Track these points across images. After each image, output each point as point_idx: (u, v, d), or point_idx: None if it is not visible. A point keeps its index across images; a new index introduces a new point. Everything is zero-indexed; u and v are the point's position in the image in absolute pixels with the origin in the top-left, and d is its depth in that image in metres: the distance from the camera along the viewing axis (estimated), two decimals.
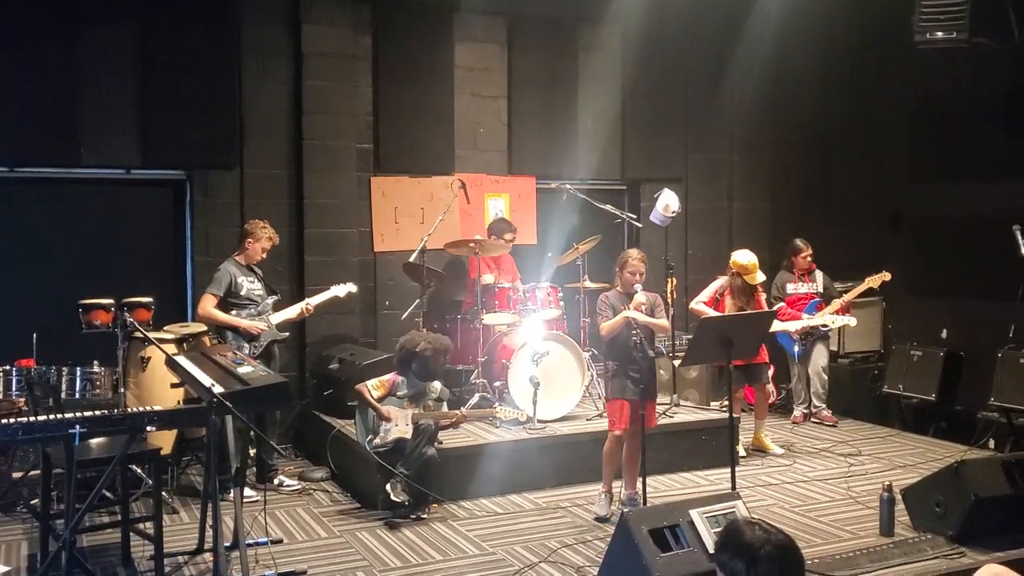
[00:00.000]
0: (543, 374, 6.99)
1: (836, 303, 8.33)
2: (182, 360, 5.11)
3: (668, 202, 8.09)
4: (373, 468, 6.15)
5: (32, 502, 5.77)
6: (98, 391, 6.08)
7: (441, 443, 6.38)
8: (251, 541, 5.28)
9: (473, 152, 8.84)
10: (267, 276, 7.10)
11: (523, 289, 7.73)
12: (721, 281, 7.51)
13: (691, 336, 6.90)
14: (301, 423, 7.95)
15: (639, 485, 5.79)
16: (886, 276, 8.29)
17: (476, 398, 7.24)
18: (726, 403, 6.94)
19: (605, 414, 6.98)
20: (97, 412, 4.41)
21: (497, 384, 7.30)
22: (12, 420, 4.30)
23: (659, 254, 8.28)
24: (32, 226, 7.78)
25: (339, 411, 7.22)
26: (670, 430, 7.10)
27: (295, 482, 6.85)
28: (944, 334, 9.10)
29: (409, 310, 7.66)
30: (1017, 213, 7.77)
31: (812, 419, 8.64)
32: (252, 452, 6.64)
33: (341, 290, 7.22)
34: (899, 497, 5.67)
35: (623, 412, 5.84)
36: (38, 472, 5.49)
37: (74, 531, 4.56)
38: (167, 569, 5.06)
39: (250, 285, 6.77)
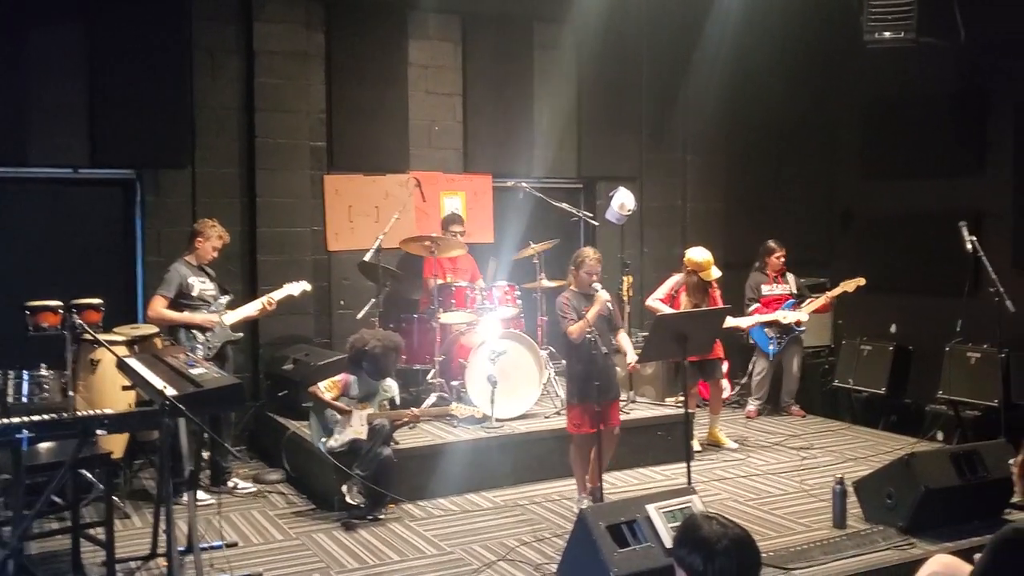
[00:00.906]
0: (501, 373, 6.99)
1: (816, 302, 8.43)
2: (133, 362, 5.03)
3: (624, 200, 8.14)
4: (329, 469, 6.11)
5: None
6: (46, 395, 5.95)
7: (397, 443, 6.35)
8: (205, 545, 5.21)
9: (428, 150, 8.81)
10: (219, 276, 7.00)
11: (480, 288, 7.72)
12: (677, 278, 7.58)
13: (647, 333, 6.94)
14: (255, 425, 7.87)
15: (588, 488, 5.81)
16: (861, 282, 8.39)
17: (433, 397, 7.22)
18: (681, 399, 7.00)
19: (563, 413, 7.03)
20: (46, 416, 4.33)
21: (455, 383, 7.28)
22: None
23: (615, 252, 8.32)
24: None
25: (294, 412, 7.16)
26: (626, 426, 7.07)
27: (250, 484, 6.78)
28: (893, 329, 9.26)
29: (365, 309, 7.60)
30: (963, 210, 7.92)
31: (783, 412, 8.75)
32: (206, 455, 6.56)
33: (296, 288, 7.14)
34: (851, 490, 5.76)
35: (584, 415, 5.82)
36: None
37: (22, 538, 4.47)
38: (119, 575, 4.98)
39: (202, 285, 6.68)
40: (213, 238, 6.72)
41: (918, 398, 8.67)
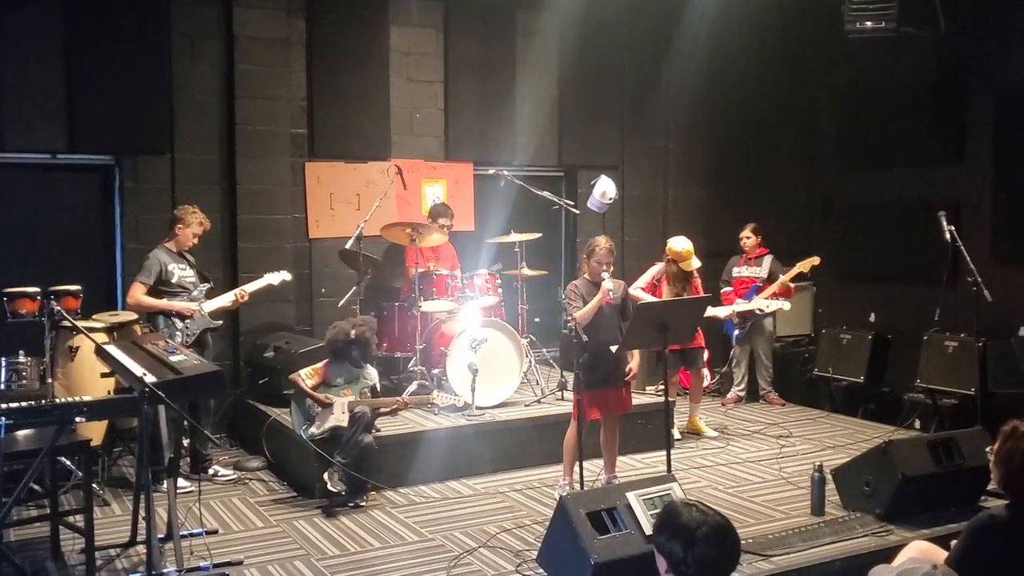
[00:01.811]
0: (481, 361, 6.99)
1: (770, 288, 8.45)
2: (112, 349, 5.00)
3: (605, 189, 8.14)
4: (310, 457, 6.10)
5: None
6: (24, 382, 5.90)
7: (379, 431, 6.35)
8: (185, 532, 5.20)
9: (409, 138, 8.77)
10: (199, 263, 6.96)
11: (461, 276, 7.72)
12: (658, 267, 7.60)
13: (628, 322, 6.95)
14: (236, 412, 7.84)
15: (575, 472, 5.83)
16: (815, 261, 8.45)
17: (414, 386, 7.21)
18: (662, 387, 7.03)
19: (544, 401, 7.07)
20: (24, 403, 4.29)
21: (435, 371, 7.27)
22: None
23: None
24: None
25: (274, 400, 7.14)
26: None
27: (230, 472, 6.76)
28: (872, 318, 9.33)
29: (346, 297, 7.57)
30: (942, 200, 7.99)
31: (762, 401, 8.80)
32: (186, 442, 6.54)
33: (275, 278, 7.10)
34: (829, 477, 5.80)
35: (590, 403, 5.84)
36: None
37: (1, 525, 4.44)
38: (98, 562, 4.96)
39: (181, 272, 6.64)
40: (193, 225, 6.68)
41: (896, 386, 8.73)
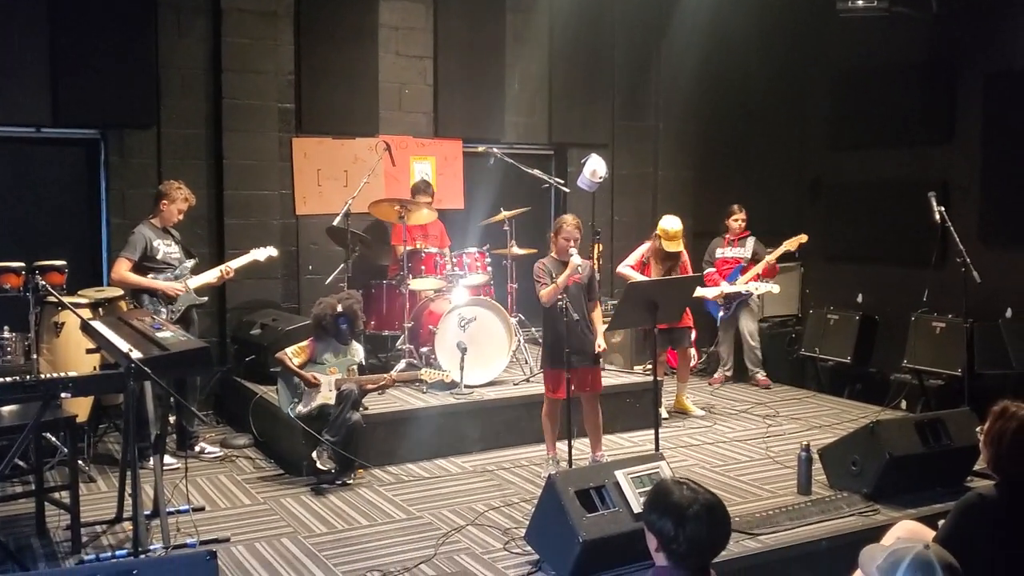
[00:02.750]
0: (470, 339, 6.97)
1: (755, 268, 8.42)
2: (98, 325, 4.96)
3: (595, 168, 8.11)
4: (297, 434, 6.08)
5: None
6: (9, 357, 5.87)
7: (367, 408, 6.33)
8: (172, 509, 5.18)
9: (398, 114, 8.70)
10: (185, 239, 6.91)
11: (450, 254, 7.68)
12: (647, 246, 7.58)
13: (617, 301, 6.95)
14: (222, 390, 7.80)
15: (558, 449, 5.83)
16: (803, 238, 8.41)
17: (403, 364, 7.19)
18: (649, 367, 7.03)
19: (532, 380, 7.07)
20: (9, 379, 4.25)
21: (424, 350, 7.25)
22: None
23: (586, 219, 8.25)
24: None
25: (261, 377, 7.11)
26: None
27: (217, 449, 6.73)
28: (860, 298, 9.34)
29: (333, 275, 7.54)
30: (932, 181, 7.99)
31: (750, 382, 8.81)
32: (172, 419, 6.50)
33: (261, 254, 7.06)
34: (816, 457, 5.82)
35: (558, 380, 5.82)
36: None
37: None
38: (84, 539, 4.95)
39: (166, 248, 6.58)
40: (179, 200, 6.62)
41: (883, 367, 8.76)
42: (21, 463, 5.39)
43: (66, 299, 5.70)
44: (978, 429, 3.76)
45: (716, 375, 8.89)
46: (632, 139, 9.89)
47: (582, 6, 9.34)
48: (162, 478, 5.04)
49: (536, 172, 8.17)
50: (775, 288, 8.33)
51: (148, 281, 6.44)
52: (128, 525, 5.04)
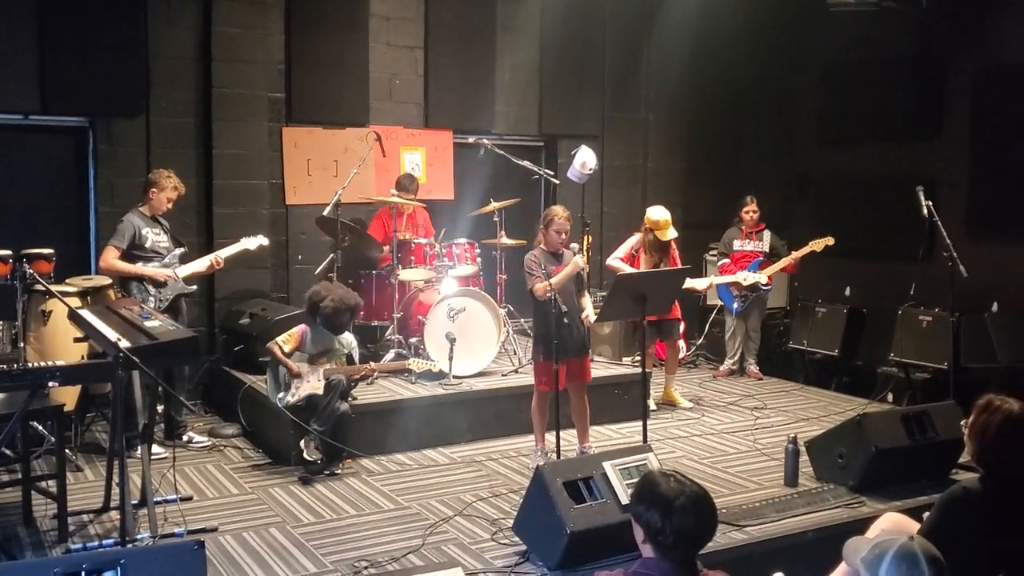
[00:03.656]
0: (459, 330, 6.98)
1: (779, 263, 8.42)
2: (86, 313, 4.95)
3: (585, 159, 8.08)
4: (285, 424, 6.08)
5: None
6: None
7: (355, 399, 6.33)
8: (160, 498, 5.18)
9: (389, 104, 8.69)
10: (174, 228, 6.89)
11: (440, 245, 7.68)
12: (637, 237, 7.59)
13: (606, 293, 6.96)
14: (211, 379, 7.79)
15: (547, 440, 5.84)
16: (829, 240, 8.30)
17: (392, 354, 7.19)
18: (638, 358, 7.05)
19: (521, 371, 7.08)
20: None
21: (413, 340, 7.25)
22: None
23: (576, 211, 8.24)
24: None
25: (250, 367, 7.10)
26: None
27: (205, 438, 6.72)
28: (848, 292, 9.38)
29: (323, 265, 7.53)
30: (920, 175, 8.01)
31: (745, 375, 8.81)
32: (160, 408, 6.49)
33: (252, 243, 7.05)
34: (803, 449, 5.85)
35: (547, 372, 5.82)
36: None
37: None
38: (71, 528, 4.94)
39: (155, 237, 6.57)
40: (168, 189, 6.59)
41: (870, 360, 8.81)
42: (8, 452, 5.36)
43: (54, 287, 5.67)
44: (963, 422, 3.78)
45: (723, 368, 8.87)
46: (622, 131, 9.90)
47: None
48: (150, 467, 5.03)
49: (526, 163, 8.17)
50: (763, 279, 8.38)
51: (137, 268, 6.42)
52: (115, 514, 5.04)
